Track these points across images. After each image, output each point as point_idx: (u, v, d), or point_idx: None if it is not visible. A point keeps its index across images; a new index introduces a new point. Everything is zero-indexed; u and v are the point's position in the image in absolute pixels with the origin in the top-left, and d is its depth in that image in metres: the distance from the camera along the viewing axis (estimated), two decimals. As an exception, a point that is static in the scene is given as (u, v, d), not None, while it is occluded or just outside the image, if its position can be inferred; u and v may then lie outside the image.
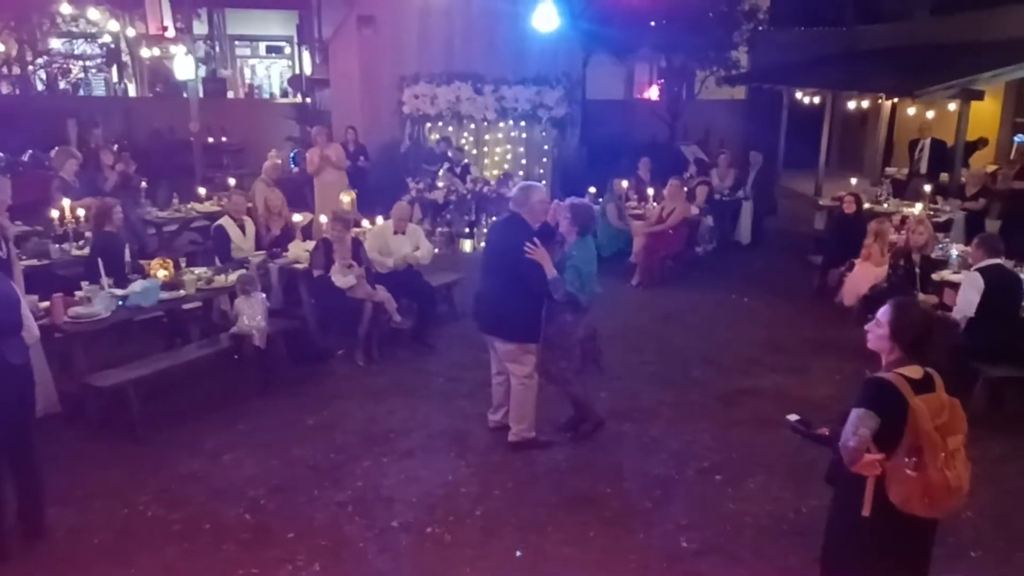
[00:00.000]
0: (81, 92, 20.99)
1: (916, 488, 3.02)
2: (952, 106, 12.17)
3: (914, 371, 3.11)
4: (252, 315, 6.43)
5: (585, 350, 5.76)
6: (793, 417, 3.60)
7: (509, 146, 13.10)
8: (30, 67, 18.03)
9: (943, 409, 3.06)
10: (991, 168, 11.89)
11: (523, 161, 13.10)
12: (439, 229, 11.22)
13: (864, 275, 8.06)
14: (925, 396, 3.04)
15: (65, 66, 19.32)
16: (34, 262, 7.43)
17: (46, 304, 5.82)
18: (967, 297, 6.16)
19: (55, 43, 18.89)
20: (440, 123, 12.87)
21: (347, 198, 9.16)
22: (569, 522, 4.76)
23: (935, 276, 7.42)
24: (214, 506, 4.88)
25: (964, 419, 3.13)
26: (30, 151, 13.19)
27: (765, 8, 17.77)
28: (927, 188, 10.84)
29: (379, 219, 8.23)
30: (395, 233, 7.83)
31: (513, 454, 5.56)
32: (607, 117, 17.39)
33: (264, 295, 6.69)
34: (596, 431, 5.82)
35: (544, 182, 12.89)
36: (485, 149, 13.12)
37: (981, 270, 6.16)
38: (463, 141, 12.79)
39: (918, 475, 3.01)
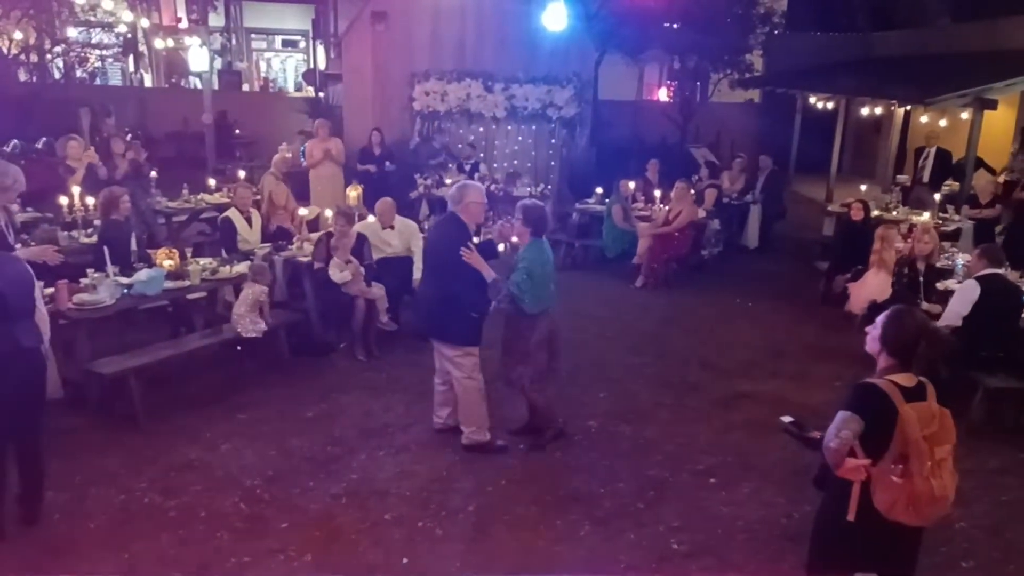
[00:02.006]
0: (97, 81, 21.13)
1: (901, 495, 3.03)
2: (965, 115, 12.10)
3: (906, 379, 3.12)
4: (245, 306, 6.48)
5: (549, 353, 5.50)
6: (787, 419, 3.61)
7: (517, 147, 13.10)
8: (48, 55, 18.15)
9: (933, 419, 3.06)
10: (1003, 178, 11.83)
11: (532, 160, 13.10)
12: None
13: (877, 284, 8.00)
14: (916, 404, 3.05)
15: (82, 55, 19.43)
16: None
17: (51, 290, 5.88)
18: (955, 307, 6.14)
19: (72, 32, 19.01)
20: (451, 123, 12.90)
21: (353, 193, 9.19)
22: (560, 520, 4.78)
23: (939, 285, 7.39)
24: (210, 494, 4.92)
25: (953, 430, 3.13)
26: (44, 139, 13.29)
27: (781, 12, 17.73)
28: (936, 197, 10.79)
29: (370, 217, 8.22)
30: (384, 228, 7.85)
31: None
32: (618, 118, 17.38)
33: (266, 288, 6.72)
34: (555, 439, 5.65)
35: (552, 175, 12.93)
36: (496, 143, 13.12)
37: (980, 279, 6.13)
38: (472, 138, 12.81)
39: (904, 482, 3.02)
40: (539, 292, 5.22)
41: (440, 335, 5.41)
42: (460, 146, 12.51)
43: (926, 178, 12.02)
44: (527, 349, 5.34)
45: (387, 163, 11.64)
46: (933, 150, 12.09)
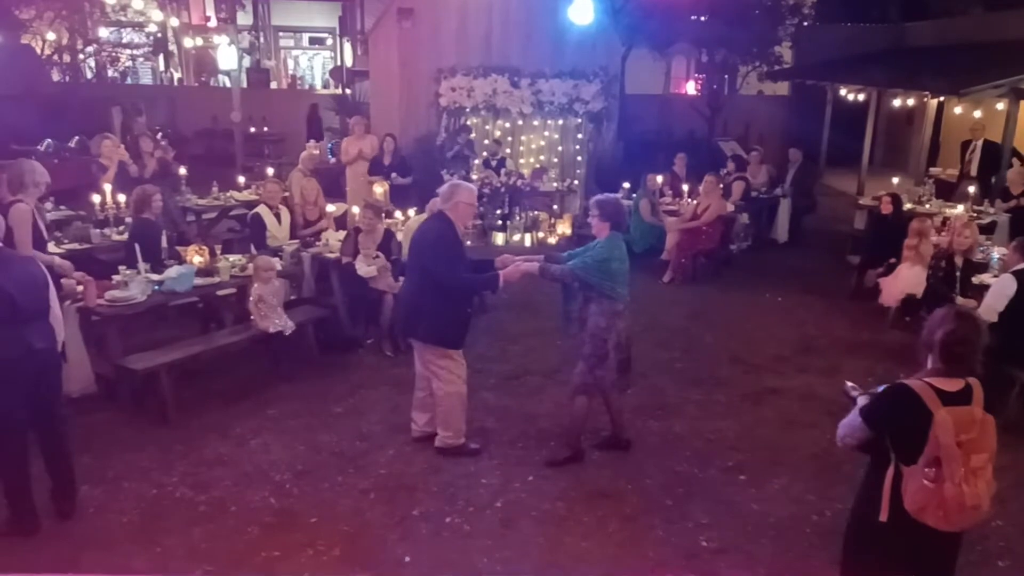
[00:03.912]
0: (128, 80, 21.44)
1: (931, 499, 2.96)
2: (1000, 105, 11.88)
3: (948, 383, 3.01)
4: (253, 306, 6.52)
5: (619, 361, 5.32)
6: (851, 385, 3.50)
7: (544, 142, 13.07)
8: (80, 55, 18.45)
9: (973, 425, 2.96)
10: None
11: (558, 154, 13.07)
12: (472, 221, 11.22)
13: (911, 277, 7.88)
14: (955, 408, 2.95)
15: (113, 55, 19.74)
16: (75, 246, 7.61)
17: (82, 287, 5.97)
18: (990, 302, 6.02)
19: (103, 32, 19.30)
20: (477, 119, 12.89)
21: (380, 189, 9.22)
22: (588, 516, 4.77)
23: (975, 279, 7.26)
24: (240, 489, 4.97)
25: (994, 438, 3.02)
26: (77, 137, 13.50)
27: (810, 3, 17.52)
28: (971, 190, 10.59)
29: (411, 212, 8.25)
30: None
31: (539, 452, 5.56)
32: (645, 112, 17.30)
33: (279, 283, 6.73)
34: (570, 463, 5.37)
35: (579, 171, 12.88)
36: (522, 138, 13.10)
37: (1016, 273, 6.01)
38: (498, 134, 12.80)
39: (935, 487, 2.94)
40: (616, 284, 5.04)
41: (422, 336, 5.26)
42: (486, 142, 12.49)
43: (974, 171, 11.77)
44: (605, 352, 5.15)
45: (393, 174, 10.58)
46: (980, 143, 11.82)
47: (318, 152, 10.65)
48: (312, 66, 27.04)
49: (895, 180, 11.78)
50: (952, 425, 2.91)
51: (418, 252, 5.24)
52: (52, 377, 4.53)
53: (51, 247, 6.44)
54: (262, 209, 8.11)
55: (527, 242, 11.06)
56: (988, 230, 9.37)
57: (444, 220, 5.18)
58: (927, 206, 10.46)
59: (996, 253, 7.74)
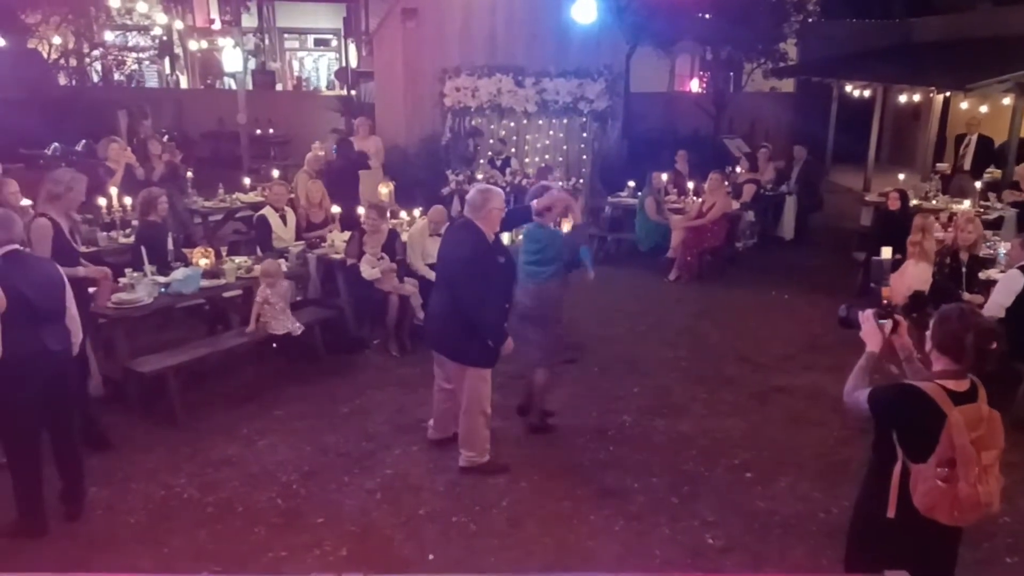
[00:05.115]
0: (135, 83, 21.49)
1: (944, 499, 2.94)
2: (1007, 100, 11.84)
3: (958, 384, 3.02)
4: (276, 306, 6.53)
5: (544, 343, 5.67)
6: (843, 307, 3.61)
7: (549, 141, 13.07)
8: (86, 59, 18.49)
9: (981, 421, 2.96)
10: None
11: (563, 153, 13.08)
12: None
13: (917, 274, 7.84)
14: (964, 407, 2.94)
15: (119, 58, 19.77)
16: (82, 249, 7.60)
17: (93, 289, 5.98)
18: (998, 299, 6.00)
19: (109, 36, 19.34)
20: (481, 120, 12.90)
21: (385, 189, 9.23)
22: (594, 515, 4.77)
23: (982, 275, 7.23)
24: (247, 490, 4.99)
25: (1002, 434, 3.02)
26: (84, 141, 13.52)
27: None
28: (978, 185, 10.56)
29: (416, 212, 8.25)
30: (431, 235, 7.68)
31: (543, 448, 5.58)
32: (650, 110, 17.26)
33: (286, 284, 6.74)
34: (544, 424, 5.85)
35: (584, 169, 12.89)
36: (527, 137, 13.11)
37: (1023, 268, 5.99)
38: (503, 133, 12.81)
39: (948, 487, 2.93)
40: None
41: (453, 354, 5.08)
42: (492, 142, 12.50)
43: (967, 166, 11.79)
44: (527, 330, 5.54)
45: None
46: (975, 137, 11.85)
47: (324, 153, 10.63)
48: (317, 67, 27.06)
49: (901, 176, 11.74)
50: (964, 424, 2.91)
51: (447, 265, 5.10)
52: (65, 379, 4.54)
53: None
54: (267, 211, 8.14)
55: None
56: (995, 225, 9.35)
57: (473, 231, 4.89)
58: (934, 202, 10.42)
59: (1002, 248, 7.70)
